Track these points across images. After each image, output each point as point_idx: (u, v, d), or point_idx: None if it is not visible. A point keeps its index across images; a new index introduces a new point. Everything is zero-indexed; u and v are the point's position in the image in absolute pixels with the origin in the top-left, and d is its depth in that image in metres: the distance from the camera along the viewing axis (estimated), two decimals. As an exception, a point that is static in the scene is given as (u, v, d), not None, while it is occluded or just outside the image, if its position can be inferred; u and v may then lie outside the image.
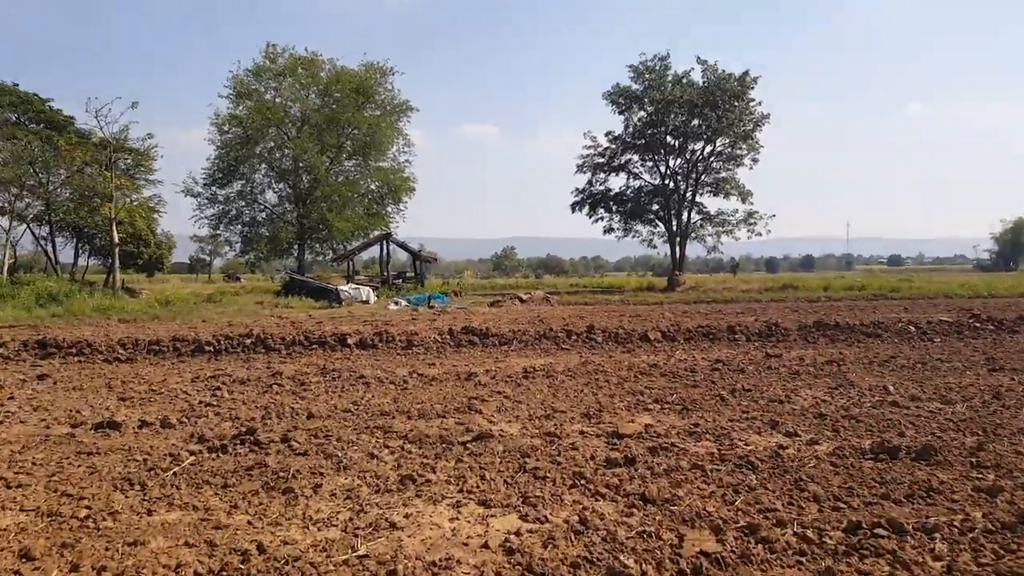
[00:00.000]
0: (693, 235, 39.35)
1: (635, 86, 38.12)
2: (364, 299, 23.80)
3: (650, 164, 39.40)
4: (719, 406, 6.66)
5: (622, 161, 39.71)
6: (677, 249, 38.82)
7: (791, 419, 6.05)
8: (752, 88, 36.43)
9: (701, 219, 39.46)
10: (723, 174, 38.65)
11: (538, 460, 4.81)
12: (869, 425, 5.78)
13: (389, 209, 38.77)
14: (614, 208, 39.96)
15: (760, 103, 37.01)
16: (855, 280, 35.84)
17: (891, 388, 7.39)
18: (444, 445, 5.25)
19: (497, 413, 6.40)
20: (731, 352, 10.61)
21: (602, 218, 40.29)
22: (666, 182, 38.93)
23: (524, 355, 10.53)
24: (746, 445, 5.21)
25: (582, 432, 5.61)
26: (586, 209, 40.28)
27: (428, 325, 13.84)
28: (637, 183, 39.97)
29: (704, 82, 37.01)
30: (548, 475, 4.47)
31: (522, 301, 23.37)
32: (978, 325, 12.71)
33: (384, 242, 34.43)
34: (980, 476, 4.35)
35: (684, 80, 37.45)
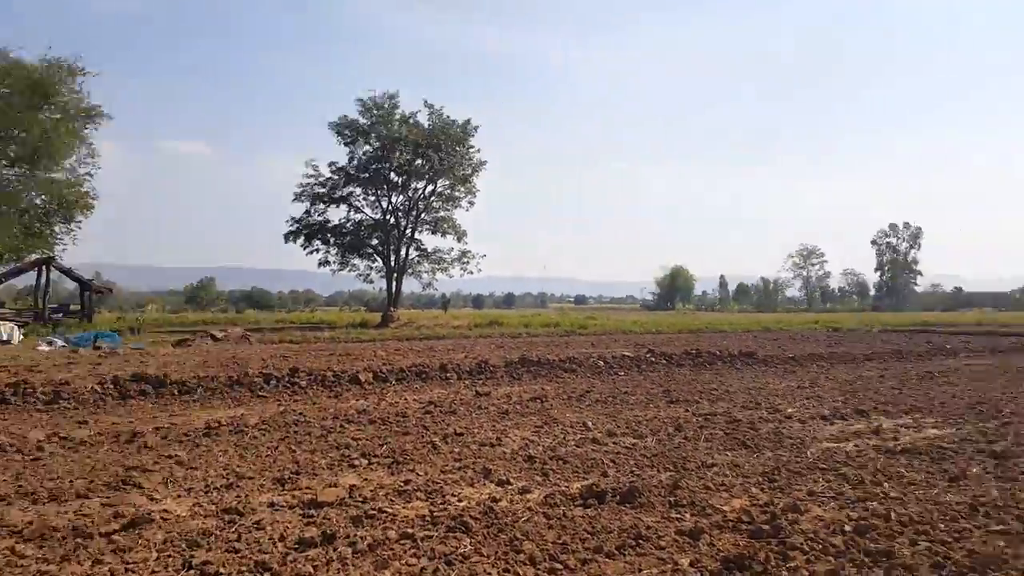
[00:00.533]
0: (410, 271, 39.81)
1: (362, 120, 37.81)
2: (4, 338, 19.30)
3: (372, 199, 39.19)
4: (431, 455, 6.20)
5: (344, 193, 38.85)
6: (394, 284, 38.86)
7: (503, 465, 5.80)
8: (473, 135, 38.49)
9: (419, 256, 40.15)
10: (442, 213, 39.96)
11: (210, 550, 3.80)
12: (575, 466, 5.75)
13: (57, 229, 32.48)
14: (332, 240, 38.76)
15: (479, 150, 39.19)
16: (550, 317, 39.13)
17: (590, 424, 7.65)
18: (78, 541, 3.94)
19: (163, 486, 5.14)
20: (443, 392, 10.37)
21: (318, 250, 38.81)
22: (387, 217, 38.94)
23: (210, 407, 9.06)
24: (459, 501, 4.78)
25: (272, 504, 4.68)
26: (301, 240, 38.45)
27: (88, 371, 11.44)
28: (358, 216, 39.37)
29: (429, 125, 38.10)
30: (221, 570, 3.51)
31: (215, 339, 20.96)
32: (653, 360, 14.29)
33: (43, 268, 28.76)
34: (679, 516, 4.42)
35: (411, 120, 38.16)
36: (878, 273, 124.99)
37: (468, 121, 38.43)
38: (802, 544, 3.81)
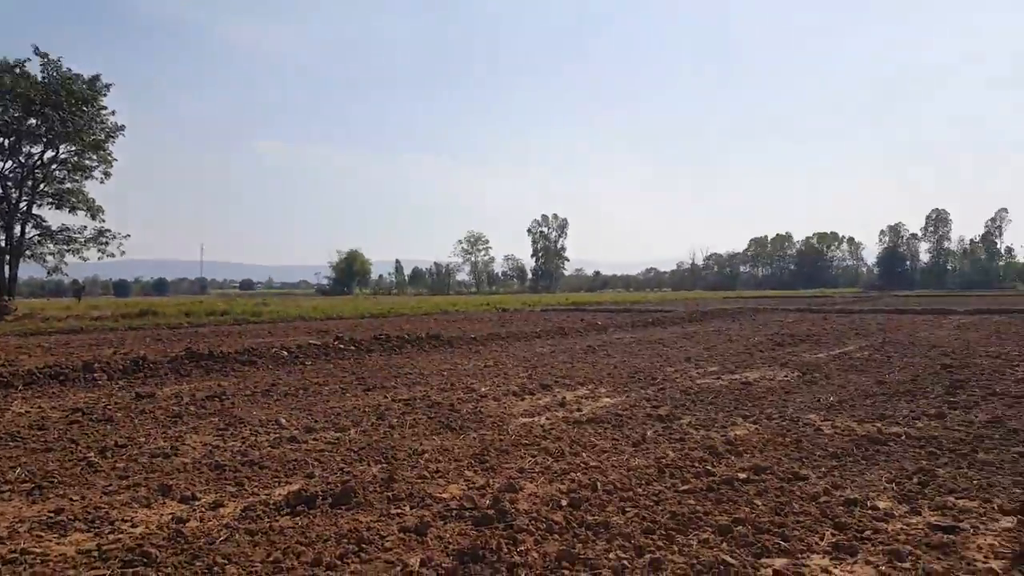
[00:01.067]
0: (29, 253, 32.65)
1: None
2: None
3: (-35, 164, 31.00)
4: (87, 474, 4.98)
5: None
6: (7, 269, 31.53)
7: (184, 478, 4.89)
8: (104, 95, 32.63)
9: (40, 235, 33.07)
10: (68, 185, 33.30)
11: None
12: (274, 471, 5.09)
13: None
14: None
15: (114, 112, 33.43)
16: (217, 304, 35.75)
17: (283, 421, 6.95)
18: None
19: None
20: (91, 396, 8.59)
21: None
22: (-9, 187, 31.25)
23: None
24: (134, 527, 3.86)
25: None
26: None
27: None
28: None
29: (44, 78, 31.28)
30: None
31: None
32: (342, 346, 13.78)
33: None
34: (400, 512, 4.12)
35: (18, 70, 30.87)
36: (534, 259, 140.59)
37: (97, 78, 32.45)
38: (527, 526, 3.79)
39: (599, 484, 4.47)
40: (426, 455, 5.43)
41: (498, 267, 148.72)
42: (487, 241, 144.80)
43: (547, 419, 6.91)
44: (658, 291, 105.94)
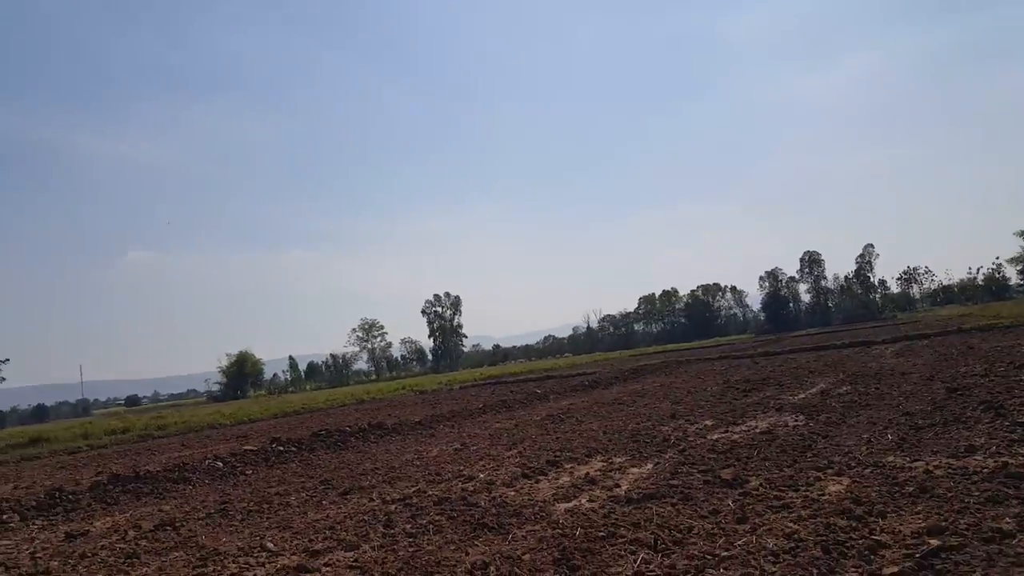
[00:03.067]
0: None
1: None
2: None
3: None
4: None
5: None
6: None
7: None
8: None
9: None
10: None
11: None
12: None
13: None
14: None
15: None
16: (113, 423, 31.89)
17: (271, 545, 5.52)
18: None
19: None
20: (8, 544, 6.63)
21: None
22: None
23: None
24: None
25: None
26: None
27: None
28: None
29: None
30: None
31: None
32: (282, 449, 12.00)
33: None
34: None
35: None
36: (431, 339, 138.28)
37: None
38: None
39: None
40: (492, 568, 4.18)
41: (396, 351, 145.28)
42: (382, 327, 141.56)
43: (591, 501, 5.81)
44: (560, 357, 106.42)
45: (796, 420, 9.03)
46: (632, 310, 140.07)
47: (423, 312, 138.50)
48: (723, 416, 10.30)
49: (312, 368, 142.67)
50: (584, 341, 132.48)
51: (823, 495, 4.97)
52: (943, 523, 3.76)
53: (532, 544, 4.63)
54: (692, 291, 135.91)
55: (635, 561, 3.98)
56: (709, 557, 3.88)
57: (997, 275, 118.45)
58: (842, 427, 7.96)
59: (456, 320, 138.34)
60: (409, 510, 6.24)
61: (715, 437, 8.46)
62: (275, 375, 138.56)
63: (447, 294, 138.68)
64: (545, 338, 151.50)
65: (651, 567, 3.84)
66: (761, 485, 5.56)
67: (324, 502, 7.25)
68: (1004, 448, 5.64)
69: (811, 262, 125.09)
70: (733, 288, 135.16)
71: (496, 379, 37.90)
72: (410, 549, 4.91)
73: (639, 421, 10.92)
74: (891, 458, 5.88)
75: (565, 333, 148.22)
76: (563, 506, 5.74)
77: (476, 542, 4.91)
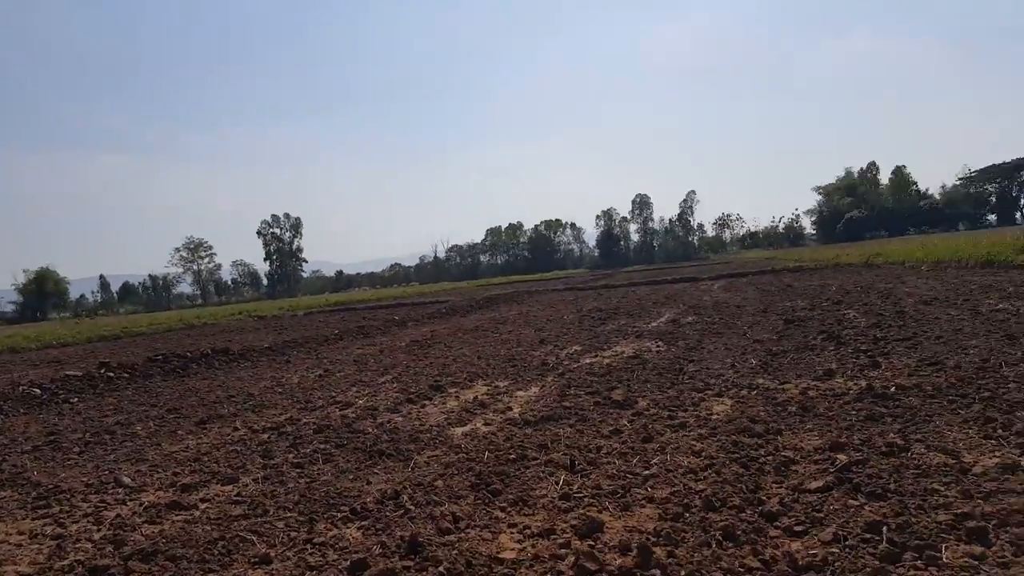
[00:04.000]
0: None
1: None
2: None
3: None
4: None
5: None
6: None
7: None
8: None
9: None
10: None
11: None
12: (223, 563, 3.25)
13: None
14: None
15: None
16: None
17: (127, 479, 4.85)
18: None
19: None
20: None
21: None
22: None
23: None
24: None
25: None
26: None
27: None
28: None
29: None
30: None
31: None
32: (112, 375, 10.74)
33: None
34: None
35: None
36: (267, 262, 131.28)
37: None
38: None
39: (701, 497, 3.45)
40: (406, 497, 3.92)
41: (226, 274, 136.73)
42: (210, 247, 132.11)
43: (487, 424, 5.68)
44: (407, 285, 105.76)
45: (658, 346, 9.45)
46: (479, 241, 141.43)
47: (259, 234, 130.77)
48: (589, 342, 10.58)
49: (127, 289, 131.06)
50: (431, 270, 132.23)
51: (712, 414, 5.18)
52: (840, 440, 4.02)
53: (439, 470, 4.40)
54: (536, 226, 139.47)
55: (557, 482, 3.89)
56: (631, 476, 3.87)
57: (795, 224, 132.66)
58: (702, 352, 8.40)
59: (296, 243, 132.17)
60: (285, 439, 5.77)
61: (588, 361, 8.65)
62: (82, 296, 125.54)
63: (287, 215, 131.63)
64: (391, 266, 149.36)
65: (575, 488, 3.77)
66: (650, 406, 5.70)
67: (179, 432, 6.54)
68: (858, 372, 6.20)
69: (641, 204, 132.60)
70: (573, 224, 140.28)
71: (344, 306, 36.75)
72: (301, 480, 4.50)
73: (509, 347, 10.96)
74: (761, 380, 6.27)
75: (412, 262, 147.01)
76: (459, 430, 5.56)
77: (375, 470, 4.60)
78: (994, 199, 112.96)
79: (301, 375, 10.01)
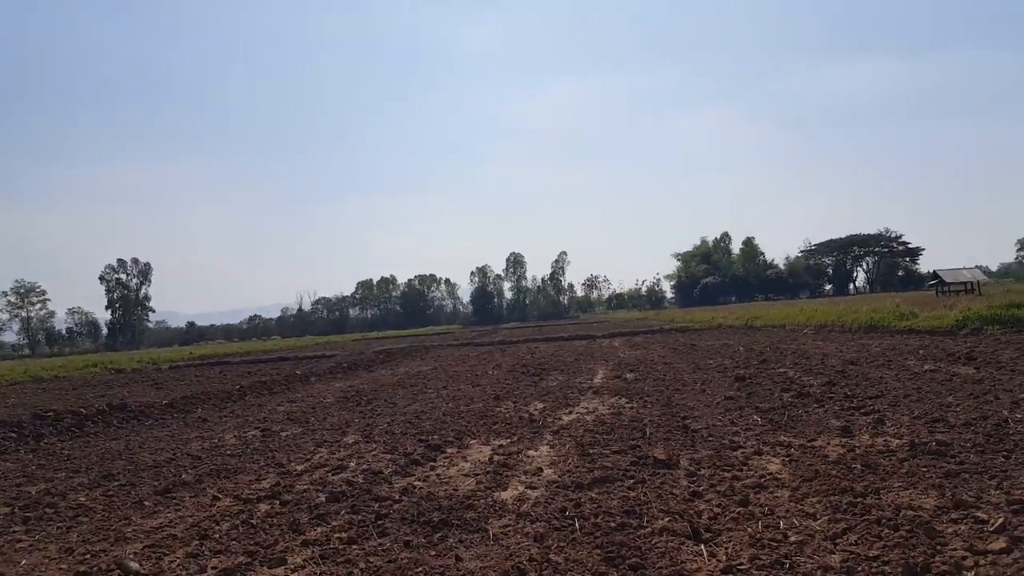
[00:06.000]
0: None
1: None
2: None
3: None
4: None
5: None
6: None
7: None
8: None
9: None
10: None
11: None
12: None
13: None
14: None
15: None
16: None
17: (133, 566, 3.90)
18: None
19: None
20: None
21: None
22: None
23: None
24: None
25: None
26: None
27: None
28: None
29: None
30: None
31: None
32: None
33: None
34: None
35: None
36: (109, 311, 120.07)
37: None
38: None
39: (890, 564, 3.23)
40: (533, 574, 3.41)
41: (60, 323, 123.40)
42: (43, 292, 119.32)
43: (532, 489, 5.20)
44: (268, 339, 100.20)
45: (629, 403, 9.29)
46: (349, 294, 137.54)
47: (102, 279, 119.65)
48: (548, 399, 10.24)
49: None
50: (295, 323, 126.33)
51: (769, 472, 5.04)
52: (962, 497, 3.99)
53: (516, 543, 3.91)
54: (409, 280, 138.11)
55: (700, 553, 3.54)
56: (774, 543, 3.60)
57: (657, 288, 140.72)
58: (685, 409, 8.32)
59: (144, 291, 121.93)
60: (299, 510, 4.99)
61: (568, 419, 8.34)
62: None
63: (135, 260, 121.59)
64: (250, 318, 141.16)
65: (722, 558, 3.44)
66: (692, 464, 5.49)
67: (145, 503, 5.50)
68: (873, 428, 6.34)
69: (515, 263, 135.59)
70: (447, 280, 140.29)
71: (216, 359, 33.99)
72: (373, 560, 3.84)
73: (463, 403, 10.40)
74: (784, 437, 6.26)
75: (272, 314, 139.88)
76: (503, 495, 5.05)
77: (450, 543, 4.03)
78: (831, 270, 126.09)
79: (236, 435, 8.93)
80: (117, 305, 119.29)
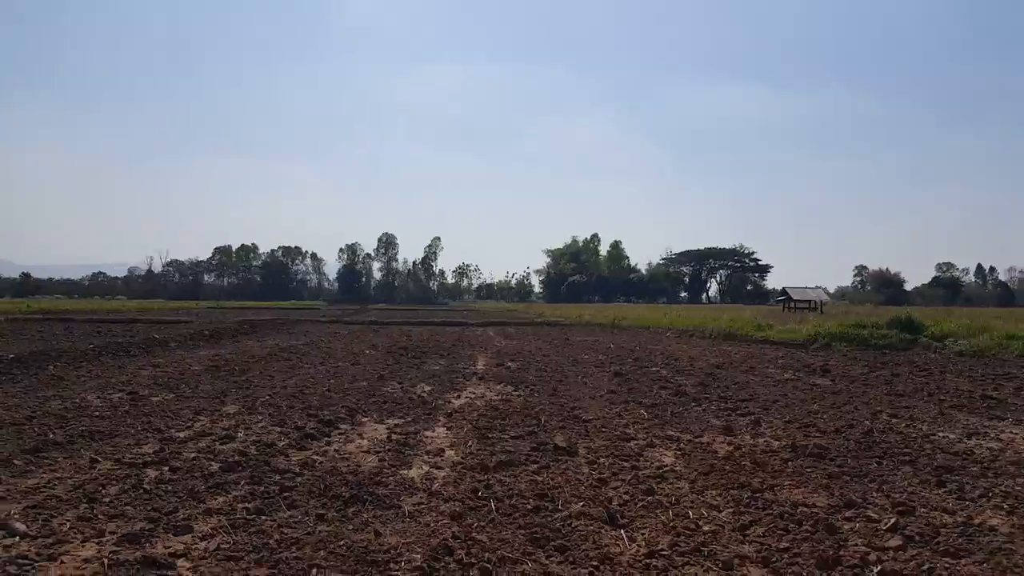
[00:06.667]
0: None
1: None
2: None
3: None
4: None
5: None
6: None
7: None
8: None
9: None
10: None
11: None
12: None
13: None
14: None
15: None
16: None
17: (19, 527, 3.52)
18: None
19: None
20: None
21: None
22: None
23: None
24: None
25: None
26: None
27: None
28: None
29: None
30: None
31: None
32: None
33: None
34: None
35: None
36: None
37: None
38: None
39: (804, 556, 3.53)
40: (462, 553, 3.42)
41: None
42: None
43: (436, 468, 5.20)
44: (112, 299, 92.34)
45: (516, 391, 9.45)
46: (205, 259, 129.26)
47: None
48: (434, 383, 10.21)
49: None
50: (144, 285, 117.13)
51: (665, 466, 5.34)
52: (853, 498, 4.42)
53: (434, 521, 3.91)
54: (273, 251, 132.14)
55: (623, 539, 3.70)
56: (687, 531, 3.82)
57: (526, 282, 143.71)
58: (571, 399, 8.58)
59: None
60: (195, 477, 4.68)
61: (459, 403, 8.37)
62: None
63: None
64: (94, 274, 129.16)
65: (640, 543, 3.62)
66: (590, 453, 5.71)
67: (15, 461, 4.95)
68: (751, 429, 6.84)
69: (387, 243, 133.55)
70: (314, 255, 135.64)
71: (56, 315, 30.89)
72: (287, 531, 3.69)
73: (349, 380, 10.14)
74: (671, 432, 6.64)
75: (119, 272, 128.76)
76: (409, 473, 5.00)
77: (365, 519, 3.95)
78: (687, 279, 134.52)
79: (100, 397, 8.22)
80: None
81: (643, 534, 3.78)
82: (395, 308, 73.72)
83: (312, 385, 9.54)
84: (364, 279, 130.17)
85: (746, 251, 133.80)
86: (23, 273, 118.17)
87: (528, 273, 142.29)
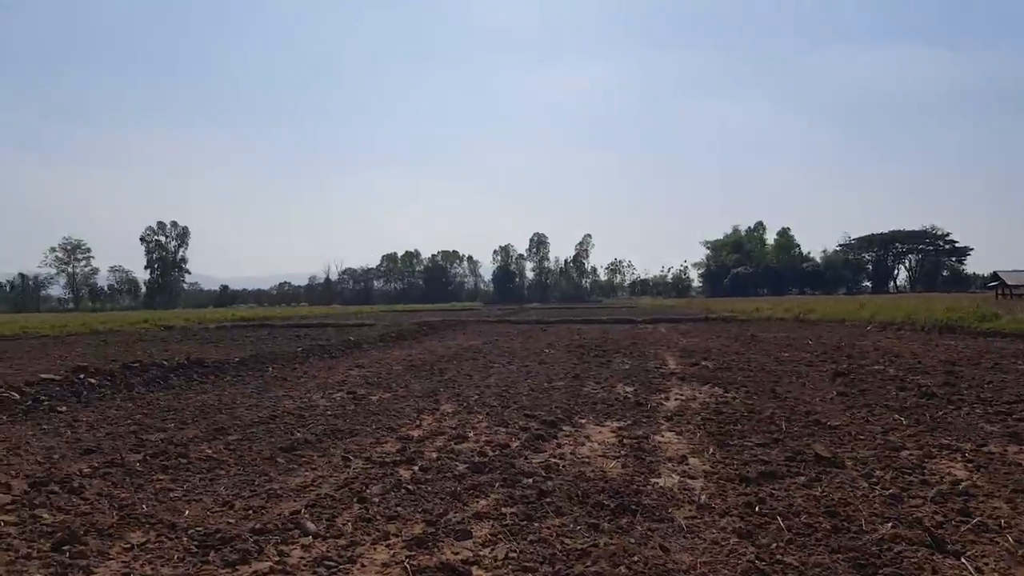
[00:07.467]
0: None
1: None
2: None
3: None
4: None
5: None
6: None
7: None
8: None
9: None
10: None
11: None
12: None
13: None
14: None
15: None
16: None
17: (311, 527, 3.57)
18: None
19: None
20: None
21: None
22: None
23: None
24: None
25: None
26: None
27: None
28: None
29: None
30: None
31: None
32: (93, 381, 8.82)
33: None
34: None
35: None
36: (148, 271, 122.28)
37: None
38: None
39: None
40: (772, 578, 3.00)
41: (103, 280, 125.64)
42: (88, 249, 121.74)
43: (692, 479, 4.79)
44: (297, 306, 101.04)
45: (728, 393, 8.76)
46: (374, 267, 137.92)
47: (142, 240, 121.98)
48: (630, 382, 9.80)
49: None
50: (322, 292, 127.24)
51: (960, 479, 4.58)
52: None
53: (721, 539, 3.50)
54: (433, 255, 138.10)
55: (972, 570, 3.11)
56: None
57: (684, 276, 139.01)
58: (797, 403, 7.81)
59: (181, 253, 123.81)
60: (446, 477, 4.63)
61: (670, 404, 7.91)
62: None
63: (174, 223, 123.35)
64: (280, 284, 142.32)
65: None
66: (857, 464, 5.03)
67: (278, 460, 5.21)
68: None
69: (539, 243, 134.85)
70: (470, 258, 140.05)
71: (257, 322, 34.10)
72: (559, 541, 3.46)
73: (545, 380, 10.02)
74: (944, 440, 5.77)
75: (300, 282, 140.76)
76: (661, 482, 4.64)
77: (647, 533, 3.63)
78: (870, 267, 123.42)
79: (324, 396, 8.66)
80: (156, 266, 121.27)
81: (987, 563, 3.15)
82: (550, 307, 74.23)
83: (512, 385, 9.50)
84: (518, 279, 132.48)
85: (939, 232, 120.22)
86: (222, 286, 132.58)
87: (686, 266, 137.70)
